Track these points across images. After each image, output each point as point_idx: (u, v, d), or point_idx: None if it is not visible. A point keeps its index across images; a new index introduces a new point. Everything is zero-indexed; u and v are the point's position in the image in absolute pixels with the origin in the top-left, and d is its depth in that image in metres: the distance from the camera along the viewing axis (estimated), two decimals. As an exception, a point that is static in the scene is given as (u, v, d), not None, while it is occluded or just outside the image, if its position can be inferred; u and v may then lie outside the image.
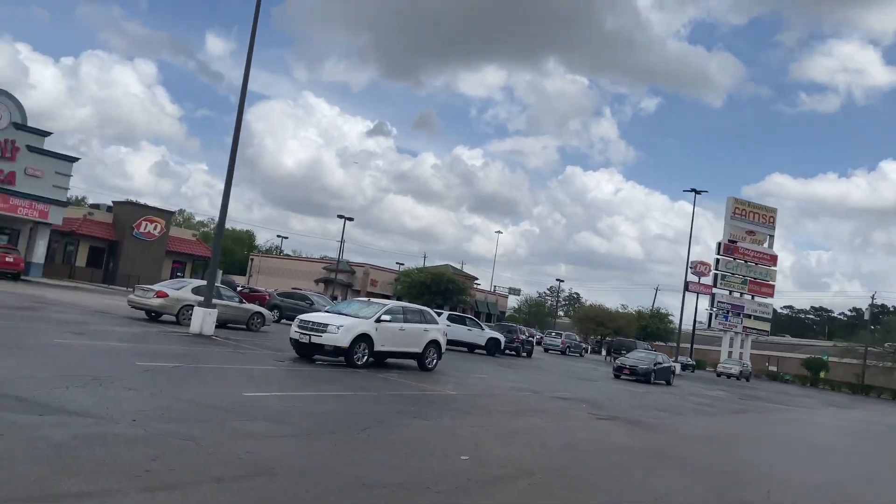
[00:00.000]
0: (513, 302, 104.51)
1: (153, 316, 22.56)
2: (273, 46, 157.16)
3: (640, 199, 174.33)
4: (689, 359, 58.26)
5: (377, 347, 17.25)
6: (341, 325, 16.48)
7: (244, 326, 23.78)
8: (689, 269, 56.80)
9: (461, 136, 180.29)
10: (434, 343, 19.03)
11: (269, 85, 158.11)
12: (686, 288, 56.06)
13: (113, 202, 51.12)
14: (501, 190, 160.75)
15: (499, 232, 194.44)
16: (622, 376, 31.36)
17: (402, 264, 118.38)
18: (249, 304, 24.96)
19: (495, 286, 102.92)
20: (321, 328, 16.47)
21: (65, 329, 15.90)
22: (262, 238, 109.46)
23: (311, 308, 32.57)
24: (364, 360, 16.93)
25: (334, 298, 46.72)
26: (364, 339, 16.88)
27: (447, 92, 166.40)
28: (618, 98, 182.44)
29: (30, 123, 38.74)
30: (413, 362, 19.05)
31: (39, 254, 40.31)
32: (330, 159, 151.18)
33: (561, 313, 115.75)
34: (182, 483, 5.63)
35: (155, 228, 49.01)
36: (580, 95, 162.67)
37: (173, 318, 21.88)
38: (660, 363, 32.87)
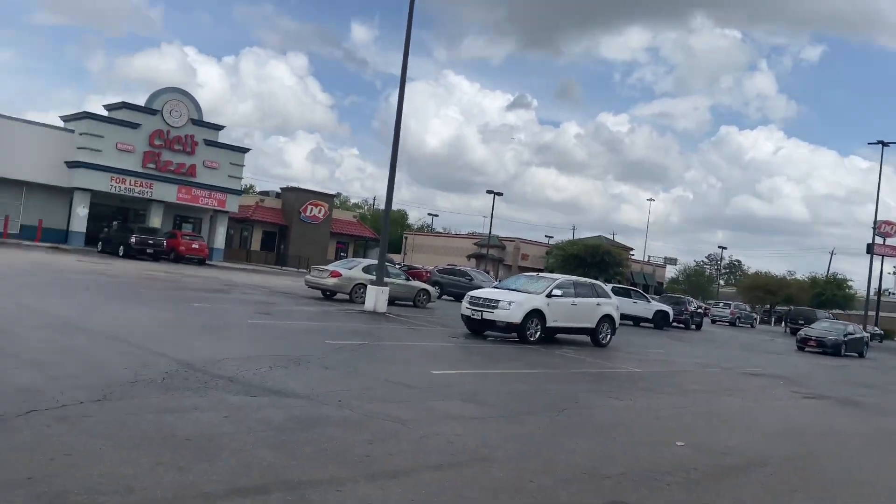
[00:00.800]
0: (670, 272, 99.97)
1: (328, 294, 23.50)
2: (413, 29, 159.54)
3: (804, 157, 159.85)
4: (876, 327, 52.80)
5: (549, 323, 16.77)
6: (513, 301, 16.16)
7: (411, 303, 24.21)
8: (874, 230, 51.13)
9: (604, 102, 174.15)
10: (607, 318, 18.24)
11: (411, 67, 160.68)
12: (870, 250, 50.54)
13: (281, 189, 54.22)
14: (650, 156, 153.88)
15: (651, 199, 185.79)
16: (807, 348, 28.89)
17: (552, 237, 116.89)
18: (415, 281, 25.34)
19: (649, 256, 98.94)
20: (493, 304, 16.24)
21: (255, 310, 16.80)
22: (414, 217, 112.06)
23: (471, 284, 32.72)
24: (536, 335, 16.52)
25: (487, 273, 46.73)
26: (536, 314, 16.46)
27: (588, 58, 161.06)
28: (775, 50, 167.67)
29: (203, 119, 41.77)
30: (584, 338, 18.41)
31: (220, 240, 43.57)
32: (472, 136, 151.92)
33: (721, 282, 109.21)
34: (403, 470, 5.46)
35: (319, 212, 51.46)
36: (732, 50, 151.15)
37: (346, 297, 22.67)
38: (851, 334, 29.92)
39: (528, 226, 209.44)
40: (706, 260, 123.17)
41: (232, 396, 7.41)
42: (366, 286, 22.58)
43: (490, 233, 70.75)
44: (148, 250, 34.07)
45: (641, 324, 30.41)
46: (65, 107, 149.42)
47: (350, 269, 22.95)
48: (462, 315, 17.09)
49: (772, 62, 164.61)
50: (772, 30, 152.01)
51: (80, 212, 37.47)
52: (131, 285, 19.38)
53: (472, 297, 16.93)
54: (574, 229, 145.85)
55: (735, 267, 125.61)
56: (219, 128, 42.32)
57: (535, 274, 18.74)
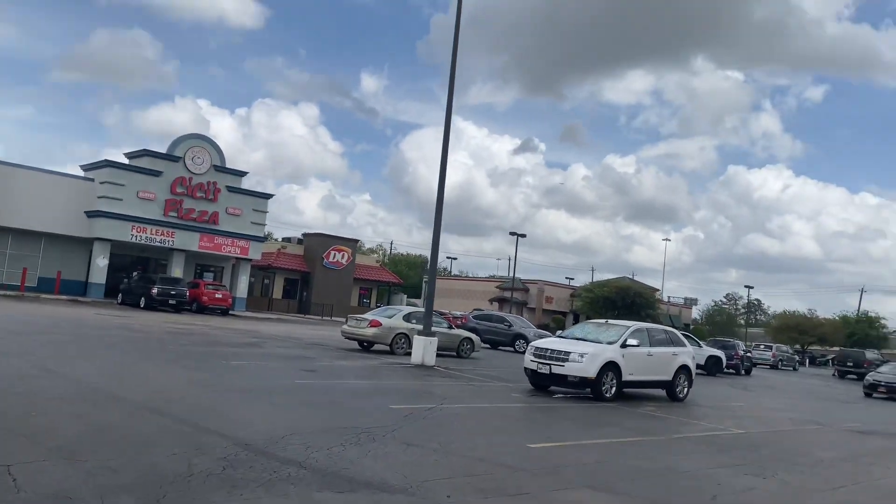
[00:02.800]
0: (693, 313, 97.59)
1: (365, 346, 21.87)
2: (421, 78, 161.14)
3: (813, 195, 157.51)
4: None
5: (625, 377, 15.02)
6: (585, 353, 14.46)
7: (454, 353, 22.53)
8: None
9: (611, 144, 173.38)
10: (684, 369, 16.48)
11: (421, 114, 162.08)
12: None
13: (303, 234, 53.02)
14: (658, 196, 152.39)
15: (666, 240, 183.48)
16: (875, 395, 26.87)
17: (572, 279, 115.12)
18: (458, 329, 23.67)
19: (669, 297, 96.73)
20: (562, 357, 14.55)
21: (296, 367, 15.19)
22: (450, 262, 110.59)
23: (510, 330, 31.04)
24: (612, 391, 14.79)
25: (521, 318, 44.91)
26: (611, 367, 14.74)
27: (592, 101, 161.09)
28: (778, 90, 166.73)
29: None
30: (656, 392, 16.65)
31: (242, 288, 42.18)
32: (481, 179, 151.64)
33: (741, 321, 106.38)
34: None
35: (343, 257, 50.12)
36: (735, 91, 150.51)
37: (386, 348, 21.06)
38: (920, 378, 27.79)
39: (541, 267, 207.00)
40: (724, 300, 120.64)
41: (315, 493, 5.78)
42: (407, 336, 21.03)
43: (514, 275, 69.09)
44: (170, 301, 32.66)
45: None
46: (82, 160, 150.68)
47: (390, 318, 21.34)
48: (526, 369, 15.39)
49: (776, 102, 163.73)
50: (773, 70, 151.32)
51: (100, 262, 36.26)
52: (158, 341, 17.87)
53: (537, 348, 15.25)
54: (593, 271, 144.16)
55: (754, 306, 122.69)
56: (241, 174, 41.34)
57: (603, 321, 17.04)
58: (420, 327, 21.47)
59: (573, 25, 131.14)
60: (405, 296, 58.85)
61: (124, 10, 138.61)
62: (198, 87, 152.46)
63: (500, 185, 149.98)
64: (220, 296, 36.11)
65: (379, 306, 58.47)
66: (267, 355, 17.09)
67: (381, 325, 20.80)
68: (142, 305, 32.57)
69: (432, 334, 18.46)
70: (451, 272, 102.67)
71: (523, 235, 66.07)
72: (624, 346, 15.04)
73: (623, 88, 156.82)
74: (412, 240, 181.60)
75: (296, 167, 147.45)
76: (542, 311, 75.34)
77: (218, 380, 11.86)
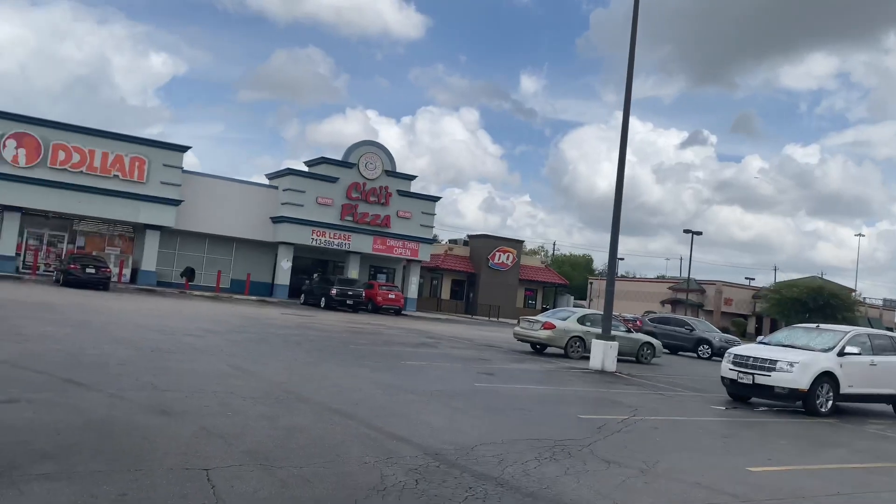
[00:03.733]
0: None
1: (538, 348, 21.19)
2: (580, 76, 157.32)
3: None
4: None
5: (843, 389, 13.12)
6: (796, 362, 12.76)
7: (633, 358, 21.17)
8: None
9: (790, 133, 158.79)
10: (917, 381, 14.14)
11: (581, 112, 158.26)
12: None
13: (468, 236, 53.38)
14: (846, 188, 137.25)
15: (860, 235, 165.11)
16: None
17: (752, 279, 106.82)
18: (638, 333, 22.26)
19: (864, 297, 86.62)
20: (768, 366, 12.95)
21: (473, 369, 14.79)
22: (599, 261, 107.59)
23: (692, 334, 28.93)
24: (828, 406, 12.94)
25: (703, 322, 42.00)
26: (826, 378, 12.92)
27: (767, 89, 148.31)
28: None
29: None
30: (880, 407, 14.43)
31: (412, 289, 43.09)
32: (645, 176, 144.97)
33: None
34: None
35: (508, 258, 49.80)
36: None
37: (560, 351, 20.23)
38: None
39: (714, 267, 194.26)
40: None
41: (518, 518, 5.13)
42: (582, 339, 20.09)
43: (689, 276, 65.14)
44: (348, 302, 33.95)
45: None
46: (265, 171, 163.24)
47: (564, 320, 20.46)
48: (723, 378, 13.90)
49: None
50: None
51: (284, 265, 38.53)
52: (340, 340, 18.28)
53: (737, 355, 13.72)
54: (776, 270, 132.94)
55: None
56: (411, 178, 42.24)
57: (813, 326, 15.07)
58: (596, 330, 20.44)
59: (743, 9, 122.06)
60: (572, 297, 57.37)
61: (300, 30, 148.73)
62: (366, 98, 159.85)
63: (667, 182, 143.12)
64: (393, 296, 37.02)
65: (545, 308, 57.53)
66: (442, 356, 16.88)
67: (555, 327, 19.99)
68: (322, 305, 34.12)
69: (612, 338, 17.36)
70: (617, 273, 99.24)
71: (699, 233, 62.04)
72: (842, 354, 13.14)
73: (802, 73, 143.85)
74: (573, 240, 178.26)
75: (457, 171, 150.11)
76: (720, 313, 70.53)
77: (398, 381, 11.67)
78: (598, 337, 17.34)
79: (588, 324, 20.54)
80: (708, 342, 28.24)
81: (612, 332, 20.48)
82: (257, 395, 8.97)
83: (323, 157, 39.86)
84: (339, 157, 39.99)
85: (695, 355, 28.22)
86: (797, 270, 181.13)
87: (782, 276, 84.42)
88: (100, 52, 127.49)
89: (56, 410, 6.97)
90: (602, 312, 21.99)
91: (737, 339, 29.36)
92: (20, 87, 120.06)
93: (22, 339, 11.62)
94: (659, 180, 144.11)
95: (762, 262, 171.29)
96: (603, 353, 16.80)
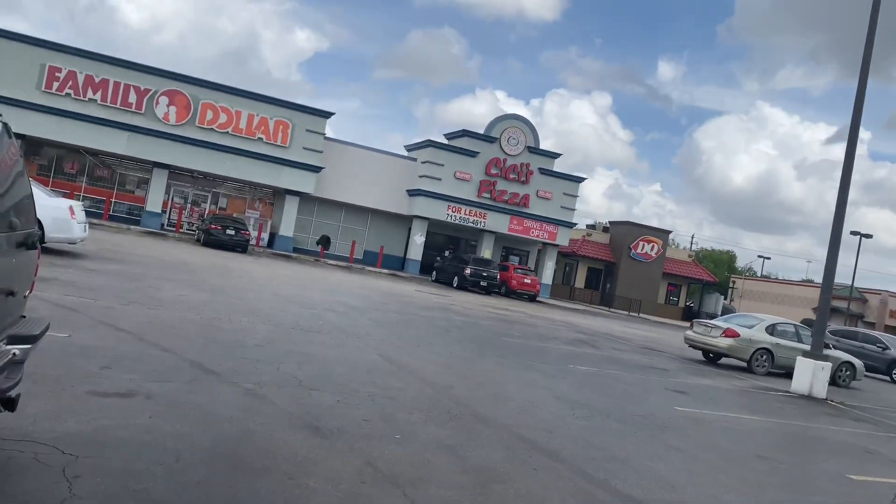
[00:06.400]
0: None
1: (711, 357, 18.26)
2: (721, 62, 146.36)
3: None
4: None
5: None
6: None
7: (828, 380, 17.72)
8: None
9: None
10: None
11: (719, 101, 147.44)
12: None
13: (610, 222, 49.97)
14: None
15: None
16: None
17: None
18: (834, 349, 18.72)
19: None
20: None
21: (657, 383, 12.24)
22: (743, 259, 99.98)
23: (885, 354, 24.70)
24: None
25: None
26: None
27: None
28: None
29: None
30: None
31: (548, 274, 40.57)
32: (786, 171, 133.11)
33: None
34: None
35: (652, 249, 46.09)
36: None
37: (742, 363, 17.23)
38: None
39: (860, 273, 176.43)
40: None
41: None
42: (770, 353, 17.01)
43: (853, 283, 58.34)
44: (481, 283, 32.02)
45: None
46: (394, 148, 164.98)
47: (749, 328, 17.35)
48: None
49: None
50: None
51: (418, 239, 37.12)
52: (488, 329, 16.23)
53: None
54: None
55: None
56: (555, 155, 39.52)
57: None
58: (787, 343, 17.34)
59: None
60: (722, 297, 52.59)
61: (436, 11, 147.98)
62: (496, 79, 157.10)
63: (809, 178, 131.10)
64: (529, 281, 34.69)
65: (689, 306, 53.14)
66: (610, 361, 14.40)
67: (738, 335, 16.95)
68: (454, 285, 32.39)
69: (825, 358, 14.17)
70: (755, 273, 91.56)
71: (869, 236, 55.48)
72: None
73: None
74: (702, 234, 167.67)
75: (584, 155, 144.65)
76: (883, 326, 62.98)
77: (583, 396, 9.36)
78: (806, 355, 14.20)
79: (777, 335, 17.36)
80: (906, 364, 24.00)
81: (806, 346, 17.23)
82: (424, 406, 6.97)
83: (464, 130, 37.93)
84: (481, 131, 37.93)
85: (888, 378, 24.04)
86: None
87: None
88: (250, 26, 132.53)
89: (179, 415, 5.22)
90: (794, 322, 18.75)
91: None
92: (177, 58, 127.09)
93: (155, 304, 10.31)
94: (800, 177, 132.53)
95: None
96: (812, 375, 13.70)
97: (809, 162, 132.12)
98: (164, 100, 31.13)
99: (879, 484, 7.21)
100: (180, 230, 33.21)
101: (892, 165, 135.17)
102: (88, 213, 16.78)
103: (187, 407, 5.47)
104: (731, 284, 76.46)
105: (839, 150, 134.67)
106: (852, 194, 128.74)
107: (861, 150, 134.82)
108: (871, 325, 62.35)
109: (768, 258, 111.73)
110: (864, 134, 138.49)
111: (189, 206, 34.77)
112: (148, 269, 15.33)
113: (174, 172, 32.88)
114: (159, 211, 32.29)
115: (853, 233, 54.68)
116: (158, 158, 31.35)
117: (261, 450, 4.81)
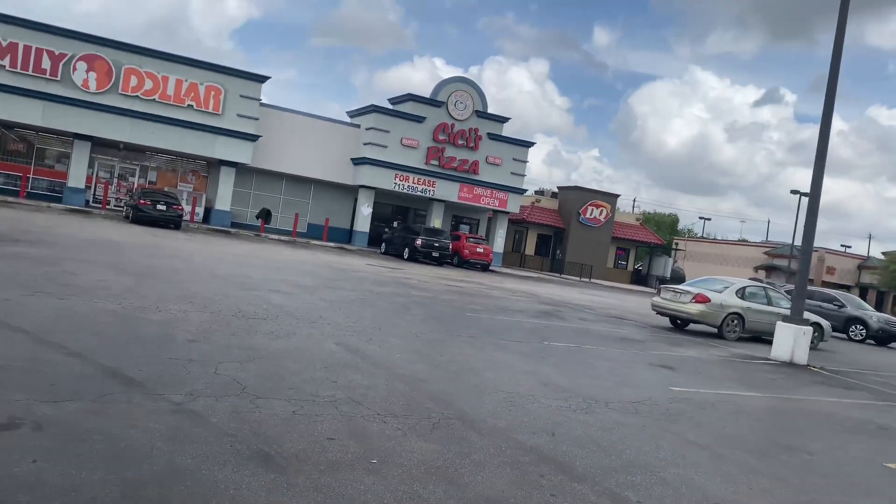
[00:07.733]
0: None
1: (679, 324, 17.60)
2: (655, 28, 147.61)
3: None
4: None
5: None
6: None
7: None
8: None
9: (875, 94, 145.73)
10: None
11: (653, 66, 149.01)
12: None
13: (558, 188, 49.26)
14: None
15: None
16: None
17: (849, 246, 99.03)
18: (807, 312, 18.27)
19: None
20: None
21: (639, 357, 11.30)
22: (685, 221, 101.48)
23: (841, 312, 24.66)
24: None
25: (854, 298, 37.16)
26: None
27: (852, 47, 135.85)
28: None
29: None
30: None
31: (499, 243, 39.62)
32: (718, 134, 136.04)
33: None
34: None
35: (601, 213, 45.62)
36: None
37: (713, 330, 16.60)
38: None
39: (789, 232, 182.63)
40: None
41: None
42: (741, 317, 16.39)
43: (793, 241, 59.47)
44: (433, 254, 30.78)
45: None
46: (335, 117, 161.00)
47: (719, 292, 16.68)
48: None
49: None
50: None
51: (365, 210, 35.55)
52: (449, 304, 15.04)
53: None
54: (870, 238, 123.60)
55: None
56: (504, 119, 38.30)
57: None
58: (758, 306, 16.80)
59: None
60: (671, 259, 52.69)
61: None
62: (435, 46, 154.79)
63: (739, 140, 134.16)
64: (482, 250, 33.63)
65: (638, 269, 53.22)
66: (582, 333, 13.43)
67: (709, 301, 16.25)
68: (405, 257, 31.06)
69: (805, 322, 13.52)
70: (696, 234, 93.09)
71: (807, 195, 56.22)
72: None
73: (891, 31, 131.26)
74: (641, 197, 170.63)
75: (523, 124, 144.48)
76: (821, 282, 64.69)
77: (568, 380, 8.28)
78: (787, 319, 13.51)
79: (748, 299, 16.76)
80: (862, 321, 23.97)
81: (776, 309, 16.70)
82: (399, 410, 5.72)
83: (410, 94, 36.29)
84: (427, 95, 36.37)
85: (845, 336, 24.01)
86: (878, 240, 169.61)
87: (883, 247, 77.03)
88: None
89: (78, 454, 3.83)
90: (762, 283, 18.23)
91: (894, 318, 24.90)
92: (100, 27, 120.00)
93: (67, 293, 8.71)
94: (731, 139, 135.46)
95: (836, 228, 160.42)
96: (794, 341, 13.02)
97: (740, 124, 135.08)
98: (81, 65, 28.49)
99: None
100: (107, 207, 30.78)
101: (816, 127, 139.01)
102: (1, 191, 14.74)
103: (91, 439, 4.08)
104: (674, 246, 77.36)
105: (767, 113, 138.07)
106: (780, 155, 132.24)
107: (787, 112, 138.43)
108: (810, 283, 64.06)
109: (709, 219, 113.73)
110: (789, 97, 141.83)
111: (116, 180, 32.26)
112: (65, 250, 13.52)
113: (98, 145, 30.31)
114: (83, 186, 29.77)
115: (793, 191, 55.41)
116: (79, 129, 28.77)
117: (193, 498, 3.49)
